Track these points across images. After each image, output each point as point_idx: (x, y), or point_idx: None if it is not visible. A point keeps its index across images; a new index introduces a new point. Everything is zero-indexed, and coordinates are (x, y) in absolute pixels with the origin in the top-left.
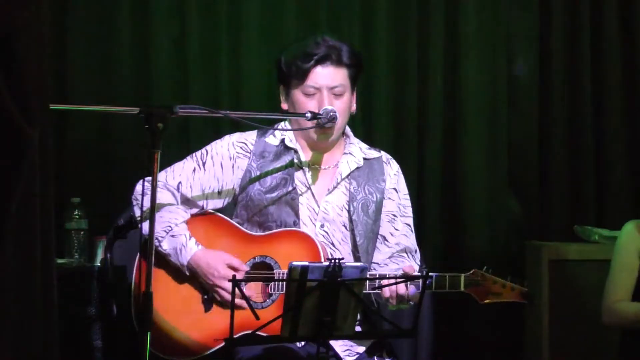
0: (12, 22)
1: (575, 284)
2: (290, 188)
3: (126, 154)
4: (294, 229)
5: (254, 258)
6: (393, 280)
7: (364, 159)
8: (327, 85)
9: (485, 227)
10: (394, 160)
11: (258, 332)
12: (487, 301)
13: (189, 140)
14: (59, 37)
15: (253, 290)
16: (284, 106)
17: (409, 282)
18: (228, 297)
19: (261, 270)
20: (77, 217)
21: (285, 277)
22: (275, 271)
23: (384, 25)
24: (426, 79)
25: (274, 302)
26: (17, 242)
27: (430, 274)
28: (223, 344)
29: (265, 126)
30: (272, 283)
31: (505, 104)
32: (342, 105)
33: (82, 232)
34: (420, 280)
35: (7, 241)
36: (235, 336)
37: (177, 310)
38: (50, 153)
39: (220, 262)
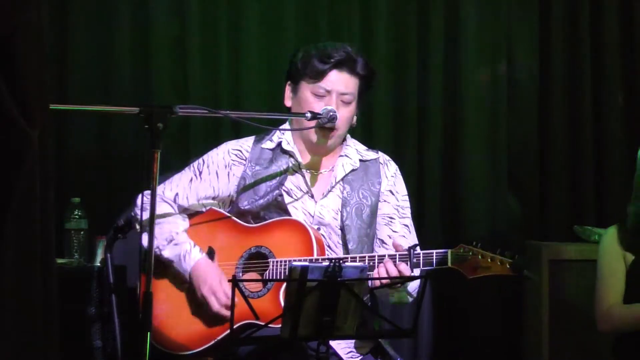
0: (12, 22)
1: (575, 284)
2: (277, 192)
3: (126, 154)
4: (287, 217)
5: (250, 249)
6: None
7: (360, 160)
8: (339, 91)
9: (485, 227)
10: (392, 162)
11: (258, 334)
12: (475, 276)
13: (188, 140)
14: (59, 37)
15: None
16: (288, 103)
17: (397, 257)
18: (216, 308)
19: (256, 260)
20: (77, 217)
21: (279, 267)
22: (269, 260)
23: (384, 25)
24: (426, 79)
25: (269, 290)
26: (17, 242)
27: (417, 251)
28: (224, 334)
29: (265, 126)
30: (267, 273)
31: (505, 104)
32: (346, 114)
33: (82, 232)
34: (418, 278)
35: (7, 241)
36: (235, 326)
37: (177, 304)
38: (50, 153)
39: (216, 280)
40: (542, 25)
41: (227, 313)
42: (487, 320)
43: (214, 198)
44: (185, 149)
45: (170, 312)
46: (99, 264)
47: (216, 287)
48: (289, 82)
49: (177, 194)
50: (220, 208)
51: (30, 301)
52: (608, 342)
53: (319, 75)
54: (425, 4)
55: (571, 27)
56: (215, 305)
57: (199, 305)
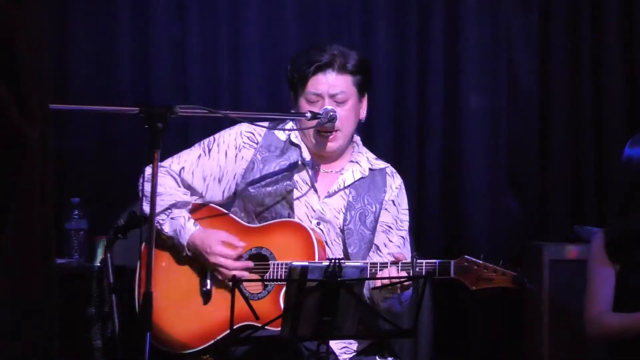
0: (12, 22)
1: (575, 284)
2: (287, 183)
3: (126, 153)
4: (288, 219)
5: (250, 250)
6: (391, 275)
7: (370, 169)
8: (328, 92)
9: (485, 228)
10: (397, 175)
11: (258, 334)
12: (477, 287)
13: (188, 140)
14: (59, 37)
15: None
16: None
17: (399, 266)
18: (225, 273)
19: (257, 262)
20: (77, 217)
21: (280, 269)
22: (270, 262)
23: (384, 26)
24: (426, 81)
25: (269, 292)
26: (17, 242)
27: (419, 260)
28: (224, 334)
29: (265, 127)
30: (268, 275)
31: (506, 105)
32: (344, 113)
33: (82, 232)
34: (418, 277)
35: (7, 241)
36: (235, 326)
37: (177, 302)
38: (50, 153)
39: (215, 240)
40: (542, 25)
41: (243, 273)
42: (487, 320)
43: (219, 180)
44: (185, 149)
45: (170, 310)
46: (99, 264)
47: (220, 252)
48: (291, 93)
49: (182, 168)
50: (222, 188)
51: (30, 302)
52: (607, 343)
53: (306, 82)
54: (426, 5)
55: (571, 27)
56: (224, 272)
57: (198, 303)
